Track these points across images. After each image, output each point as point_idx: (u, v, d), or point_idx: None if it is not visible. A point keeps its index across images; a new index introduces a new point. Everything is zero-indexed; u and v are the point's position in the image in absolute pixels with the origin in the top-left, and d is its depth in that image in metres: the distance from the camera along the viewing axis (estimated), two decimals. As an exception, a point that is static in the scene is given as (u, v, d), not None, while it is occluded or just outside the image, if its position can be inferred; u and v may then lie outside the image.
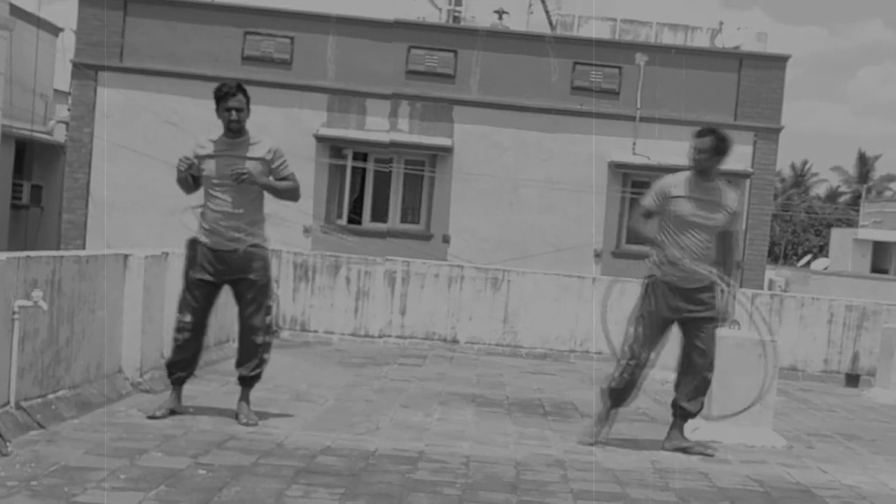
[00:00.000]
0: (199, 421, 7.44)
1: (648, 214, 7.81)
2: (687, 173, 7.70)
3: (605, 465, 7.11)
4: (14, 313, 6.49)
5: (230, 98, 7.38)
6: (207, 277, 7.47)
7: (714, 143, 7.60)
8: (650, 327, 7.70)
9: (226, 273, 7.47)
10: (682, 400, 7.83)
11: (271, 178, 7.52)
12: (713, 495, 6.47)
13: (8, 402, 6.50)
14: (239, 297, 7.60)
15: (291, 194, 7.64)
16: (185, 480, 5.74)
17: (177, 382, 7.66)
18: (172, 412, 7.53)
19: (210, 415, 7.68)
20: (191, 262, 7.51)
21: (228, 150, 7.42)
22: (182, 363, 7.61)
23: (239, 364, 7.68)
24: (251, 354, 7.61)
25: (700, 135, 7.69)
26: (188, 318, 7.52)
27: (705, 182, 7.67)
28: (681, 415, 7.90)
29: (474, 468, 6.66)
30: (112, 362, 8.32)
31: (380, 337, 13.84)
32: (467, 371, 11.76)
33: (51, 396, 7.12)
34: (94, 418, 7.25)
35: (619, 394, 7.83)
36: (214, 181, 7.40)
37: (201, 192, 7.57)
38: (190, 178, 7.47)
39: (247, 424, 7.43)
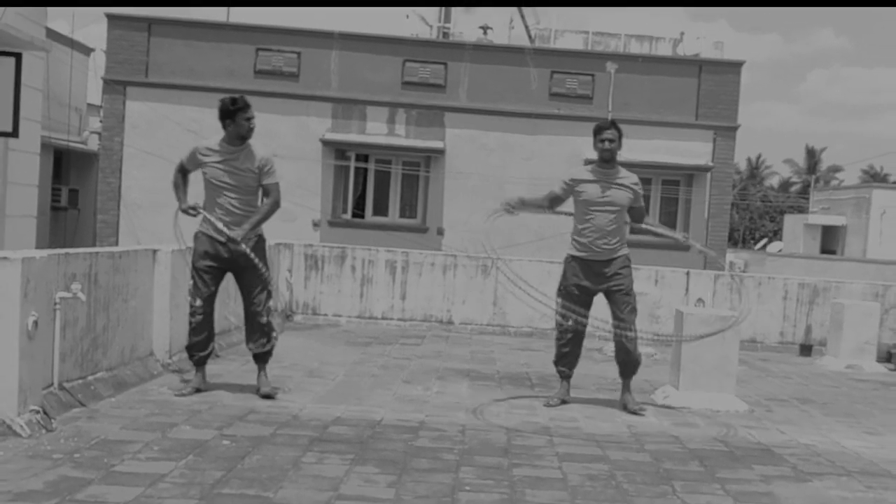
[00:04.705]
0: (223, 396, 7.44)
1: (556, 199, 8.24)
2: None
3: (586, 430, 7.11)
4: (56, 304, 6.48)
5: (249, 109, 7.40)
6: (213, 264, 7.47)
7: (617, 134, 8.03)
8: (569, 298, 7.88)
9: (229, 262, 7.45)
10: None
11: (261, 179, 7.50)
12: (684, 455, 6.47)
13: (52, 384, 6.49)
14: (241, 284, 7.61)
15: (273, 211, 7.57)
16: (211, 450, 5.74)
17: (198, 363, 7.65)
18: (198, 390, 7.52)
19: (232, 391, 7.67)
20: (198, 253, 7.50)
21: (231, 158, 7.40)
22: (200, 344, 7.59)
23: (248, 340, 7.67)
24: (258, 333, 7.60)
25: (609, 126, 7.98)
26: (199, 302, 7.50)
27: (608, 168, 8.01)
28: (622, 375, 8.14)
29: (470, 435, 6.66)
30: (144, 346, 8.31)
31: (383, 319, 13.81)
32: (462, 349, 11.75)
33: (90, 378, 7.11)
34: (129, 396, 7.24)
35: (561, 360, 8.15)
36: (215, 183, 7.39)
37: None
38: (181, 192, 7.52)
39: (268, 395, 7.44)
